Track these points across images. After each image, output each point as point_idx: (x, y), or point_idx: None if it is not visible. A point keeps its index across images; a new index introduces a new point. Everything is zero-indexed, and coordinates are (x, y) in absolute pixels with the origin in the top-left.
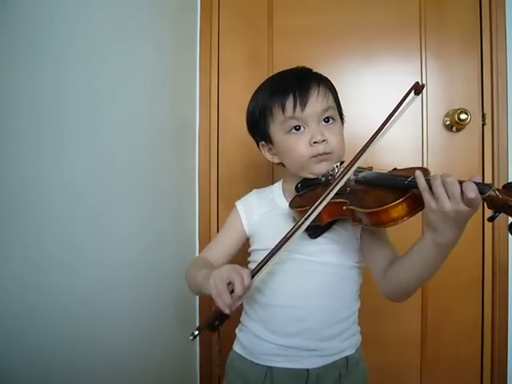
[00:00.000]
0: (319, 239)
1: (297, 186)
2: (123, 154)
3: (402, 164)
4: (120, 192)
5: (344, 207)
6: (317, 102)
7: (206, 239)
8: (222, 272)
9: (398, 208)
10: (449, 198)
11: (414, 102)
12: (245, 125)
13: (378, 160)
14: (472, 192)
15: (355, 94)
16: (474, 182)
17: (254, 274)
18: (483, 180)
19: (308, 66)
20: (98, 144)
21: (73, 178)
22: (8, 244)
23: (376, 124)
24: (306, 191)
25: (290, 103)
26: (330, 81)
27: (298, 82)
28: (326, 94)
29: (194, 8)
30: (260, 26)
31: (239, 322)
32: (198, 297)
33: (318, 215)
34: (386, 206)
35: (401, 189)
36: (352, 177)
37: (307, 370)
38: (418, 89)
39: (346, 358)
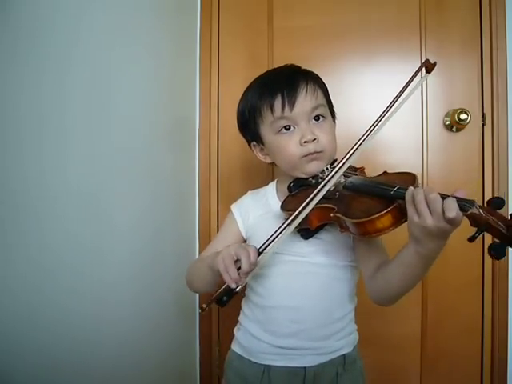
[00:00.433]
0: (313, 240)
1: (289, 186)
2: (124, 155)
3: (401, 164)
4: (121, 191)
5: (331, 214)
6: (305, 100)
7: (205, 239)
8: (230, 249)
9: (383, 219)
10: (431, 214)
11: (424, 82)
12: None
13: (378, 160)
14: (452, 211)
15: (355, 94)
16: (457, 198)
17: (260, 251)
18: (483, 180)
19: (308, 66)
20: (99, 144)
21: (74, 177)
22: (10, 243)
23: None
24: (298, 191)
25: (278, 103)
26: (319, 78)
27: (286, 81)
28: (314, 92)
29: (193, 9)
30: (260, 27)
31: (237, 321)
32: (197, 296)
33: (307, 219)
34: (371, 217)
35: (387, 199)
36: (342, 180)
37: (304, 368)
38: (429, 66)
39: (343, 356)
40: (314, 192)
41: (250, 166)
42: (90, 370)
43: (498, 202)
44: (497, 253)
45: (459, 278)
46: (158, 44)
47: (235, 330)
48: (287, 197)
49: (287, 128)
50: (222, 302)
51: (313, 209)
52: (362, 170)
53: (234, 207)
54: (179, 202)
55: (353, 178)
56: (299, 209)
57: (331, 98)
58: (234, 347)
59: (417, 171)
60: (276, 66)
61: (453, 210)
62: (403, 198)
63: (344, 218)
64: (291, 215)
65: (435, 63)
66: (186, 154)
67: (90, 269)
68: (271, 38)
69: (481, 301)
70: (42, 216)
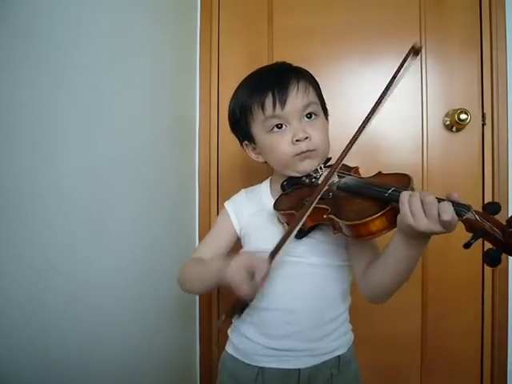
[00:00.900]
0: (306, 239)
1: (282, 185)
2: (123, 154)
3: (401, 164)
4: (119, 191)
5: (324, 215)
6: (297, 98)
7: None
8: (241, 261)
9: (377, 221)
10: (426, 217)
11: (412, 65)
12: None
13: (377, 160)
14: (448, 214)
15: (355, 95)
16: (453, 202)
17: (271, 259)
18: (483, 180)
19: (308, 66)
20: (97, 143)
21: (70, 177)
22: (2, 247)
23: (376, 123)
24: (291, 190)
25: (269, 102)
26: (311, 75)
27: (277, 79)
28: (306, 90)
29: (193, 9)
30: (260, 27)
31: (231, 322)
32: (197, 297)
33: None
34: (365, 220)
35: (381, 201)
36: (336, 180)
37: (298, 370)
38: (416, 49)
39: (338, 357)
40: (317, 191)
41: (250, 165)
42: (89, 371)
43: (494, 208)
44: (492, 260)
45: (459, 279)
46: (158, 44)
47: (229, 332)
48: (280, 196)
49: (279, 126)
50: (238, 316)
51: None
52: (356, 169)
53: (228, 204)
54: (179, 202)
55: (347, 179)
56: (304, 213)
57: (331, 97)
58: (228, 349)
59: (417, 171)
60: None
61: (448, 212)
62: (398, 201)
63: (337, 219)
64: (284, 216)
65: (421, 47)
66: (186, 154)
67: (86, 272)
68: (271, 38)
69: (481, 301)
70: (36, 220)
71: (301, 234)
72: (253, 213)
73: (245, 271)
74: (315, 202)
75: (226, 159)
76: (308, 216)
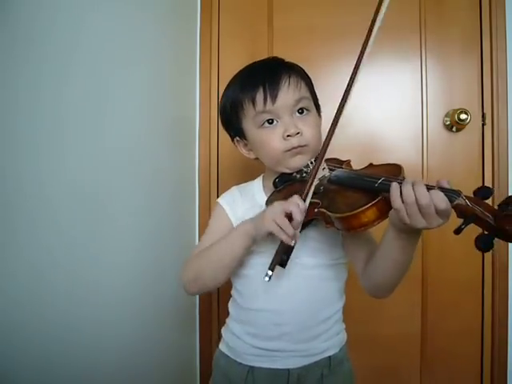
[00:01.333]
0: (299, 238)
1: (274, 182)
2: (123, 154)
3: (401, 164)
4: (119, 191)
5: (315, 209)
6: (288, 93)
7: None
8: (276, 208)
9: (368, 212)
10: (423, 217)
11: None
12: None
13: (377, 160)
14: (442, 202)
15: (355, 94)
16: (442, 189)
17: (304, 197)
18: (483, 180)
19: (308, 66)
20: (97, 143)
21: (71, 176)
22: (4, 247)
23: (376, 123)
24: (283, 186)
25: (260, 97)
26: (303, 70)
27: (268, 74)
28: (298, 85)
29: (194, 10)
30: (260, 28)
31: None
32: (197, 297)
33: None
34: (355, 211)
35: (372, 191)
36: (327, 173)
37: (288, 370)
38: None
39: (329, 357)
40: (309, 180)
41: (250, 165)
42: (89, 370)
43: (485, 192)
44: (484, 245)
45: (459, 278)
46: (158, 45)
47: (222, 330)
48: (273, 193)
49: (270, 122)
50: (284, 263)
51: None
52: (348, 162)
53: (222, 200)
54: (179, 202)
55: (337, 172)
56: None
57: (331, 97)
58: (222, 347)
59: (417, 171)
60: None
61: (442, 201)
62: (388, 191)
63: (328, 212)
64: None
65: None
66: (186, 154)
67: (86, 270)
68: (271, 39)
69: (481, 300)
70: (36, 215)
71: None
72: (246, 210)
73: (283, 215)
74: (314, 183)
75: (226, 159)
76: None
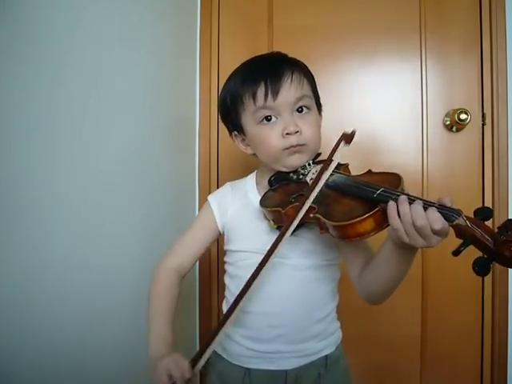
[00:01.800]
0: (293, 238)
1: (270, 180)
2: (122, 154)
3: (401, 164)
4: (118, 191)
5: (311, 214)
6: (290, 90)
7: None
8: (166, 366)
9: (364, 223)
10: (421, 237)
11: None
12: None
13: (377, 160)
14: (438, 223)
15: (355, 94)
16: (443, 207)
17: (193, 364)
18: (483, 180)
19: (307, 65)
20: (95, 143)
21: (68, 177)
22: (1, 249)
23: (376, 123)
24: (278, 186)
25: (261, 92)
26: (306, 67)
27: (270, 69)
28: (300, 82)
29: (194, 8)
30: (260, 26)
31: None
32: (197, 297)
33: (286, 216)
34: (352, 221)
35: (370, 201)
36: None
37: (285, 371)
38: (347, 139)
39: (325, 356)
40: (308, 194)
41: (250, 165)
42: (86, 371)
43: (485, 213)
44: (481, 269)
45: (459, 282)
46: (158, 43)
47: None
48: (267, 192)
49: (268, 119)
50: None
51: (293, 206)
52: (346, 167)
53: (212, 198)
54: (179, 202)
55: (336, 177)
56: (289, 224)
57: (330, 97)
58: (216, 348)
59: (417, 171)
60: None
61: (438, 222)
62: (387, 202)
63: (324, 219)
64: (270, 213)
65: (353, 133)
66: (186, 153)
67: (85, 271)
68: (271, 38)
69: (481, 304)
70: (30, 216)
71: None
72: (238, 208)
73: (167, 377)
74: (304, 209)
75: (226, 159)
76: (293, 213)
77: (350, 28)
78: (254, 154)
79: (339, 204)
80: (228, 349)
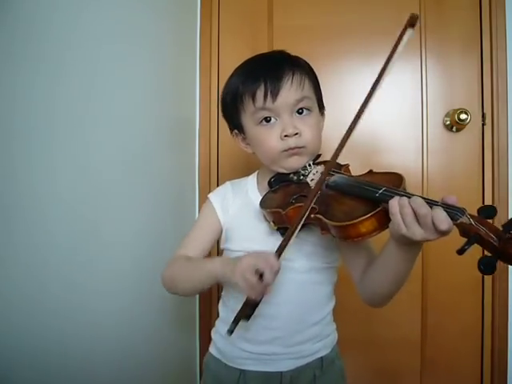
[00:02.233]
0: (295, 240)
1: (270, 181)
2: (122, 154)
3: (401, 164)
4: (118, 192)
5: (312, 215)
6: (290, 91)
7: None
8: (249, 262)
9: (366, 223)
10: (421, 227)
11: (411, 37)
12: None
13: (377, 160)
14: (444, 223)
15: (355, 94)
16: (447, 205)
17: (279, 255)
18: (483, 180)
19: None
20: (96, 144)
21: (69, 178)
22: (1, 248)
23: (376, 123)
24: (278, 187)
25: (260, 92)
26: (308, 66)
27: (271, 69)
28: (301, 83)
29: (194, 8)
30: (260, 26)
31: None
32: (197, 297)
33: (287, 217)
34: (354, 221)
35: (371, 201)
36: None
37: (280, 372)
38: (413, 21)
39: (321, 358)
40: (311, 196)
41: (251, 165)
42: (88, 372)
43: (489, 211)
44: (486, 268)
45: (459, 279)
46: (158, 43)
47: (212, 333)
48: (267, 193)
49: (268, 120)
50: (248, 317)
51: (294, 207)
52: (346, 167)
53: (213, 196)
54: (179, 202)
55: (336, 177)
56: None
57: (330, 96)
58: (212, 350)
59: (417, 171)
60: None
61: (444, 222)
62: (388, 202)
63: (325, 219)
64: (270, 214)
65: (416, 16)
66: (186, 154)
67: (87, 273)
68: (271, 37)
69: (481, 301)
70: (31, 217)
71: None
72: (238, 207)
73: (254, 274)
74: (307, 212)
75: (226, 159)
76: (294, 214)
77: (350, 28)
78: (255, 153)
79: (340, 204)
80: (224, 350)
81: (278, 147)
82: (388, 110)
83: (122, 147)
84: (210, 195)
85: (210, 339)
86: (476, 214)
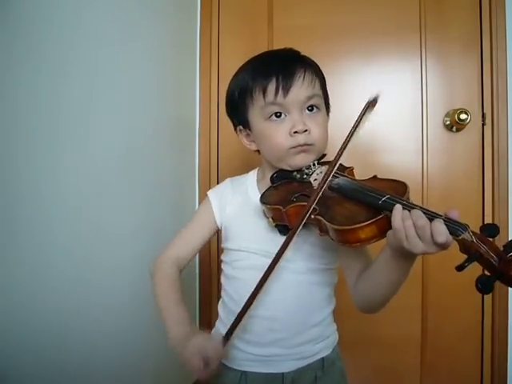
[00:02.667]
0: (295, 240)
1: (272, 177)
2: (123, 154)
3: (401, 164)
4: (119, 191)
5: (312, 215)
6: (301, 88)
7: None
8: (199, 346)
9: (367, 229)
10: (421, 240)
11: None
12: None
13: (377, 160)
14: (441, 236)
15: (355, 94)
16: (450, 220)
17: (225, 342)
18: (483, 180)
19: None
20: (96, 143)
21: (70, 178)
22: (5, 248)
23: (376, 123)
24: (280, 183)
25: (271, 87)
26: (318, 67)
27: (283, 65)
28: (312, 81)
29: (194, 8)
30: (260, 26)
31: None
32: (197, 295)
33: (287, 215)
34: (354, 226)
35: (374, 208)
36: (329, 178)
37: (282, 373)
38: (372, 104)
39: (322, 359)
40: (314, 197)
41: (251, 165)
42: (89, 369)
43: (491, 229)
44: (484, 287)
45: (459, 279)
46: (158, 43)
47: (212, 333)
48: (268, 188)
49: (277, 115)
50: None
51: (294, 205)
52: (350, 170)
53: (212, 194)
54: (179, 202)
55: (340, 180)
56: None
57: (331, 96)
58: None
59: (417, 171)
60: None
61: (442, 234)
62: (391, 210)
63: (325, 221)
64: (270, 211)
65: (376, 97)
66: (186, 153)
67: (86, 270)
68: (271, 38)
69: (481, 301)
70: (34, 216)
71: (286, 231)
72: (237, 205)
73: (199, 359)
74: (308, 213)
75: (226, 159)
76: (294, 212)
77: (350, 28)
78: (258, 151)
79: (342, 207)
80: None
81: (286, 143)
82: (388, 110)
83: (124, 147)
84: (209, 192)
85: None
86: (478, 232)
